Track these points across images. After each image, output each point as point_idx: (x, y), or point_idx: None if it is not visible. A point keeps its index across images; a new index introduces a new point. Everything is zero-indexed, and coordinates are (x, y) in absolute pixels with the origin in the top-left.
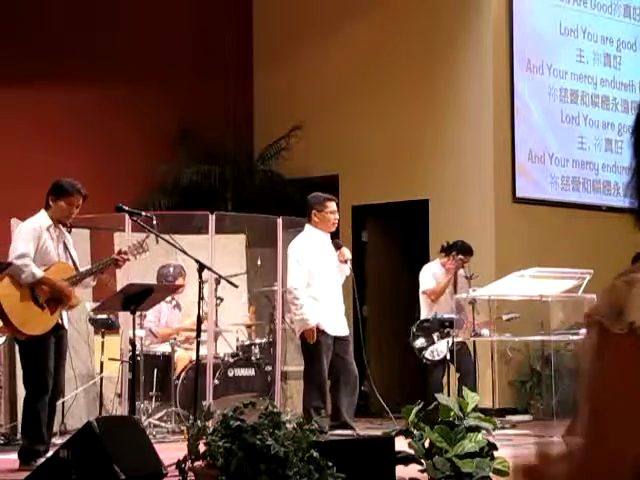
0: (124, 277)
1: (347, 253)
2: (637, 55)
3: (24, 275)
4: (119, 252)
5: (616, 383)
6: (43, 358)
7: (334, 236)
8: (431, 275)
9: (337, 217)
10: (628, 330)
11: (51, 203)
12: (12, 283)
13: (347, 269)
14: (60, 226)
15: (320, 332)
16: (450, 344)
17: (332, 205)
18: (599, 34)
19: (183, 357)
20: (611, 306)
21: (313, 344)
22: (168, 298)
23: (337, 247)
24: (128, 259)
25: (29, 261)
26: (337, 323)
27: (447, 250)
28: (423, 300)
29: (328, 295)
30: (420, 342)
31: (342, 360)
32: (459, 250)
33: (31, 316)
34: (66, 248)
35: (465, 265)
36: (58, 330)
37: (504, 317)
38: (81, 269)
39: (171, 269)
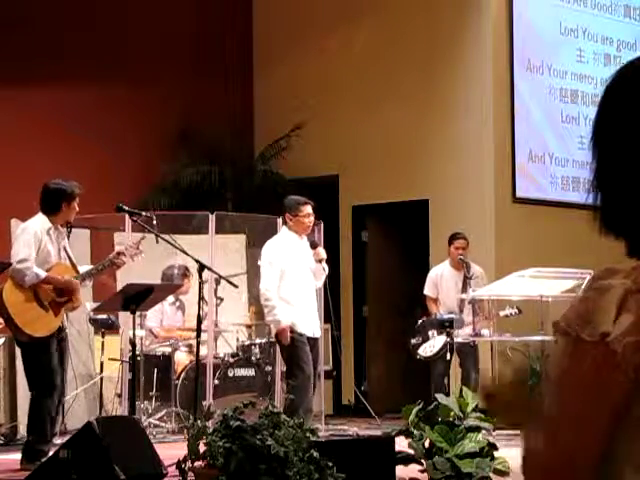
0: (124, 277)
1: (322, 253)
2: (637, 55)
3: (28, 277)
4: (117, 253)
5: (580, 387)
6: (48, 358)
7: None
8: (429, 280)
9: (312, 220)
10: (598, 339)
11: (64, 208)
12: (16, 285)
13: (322, 270)
14: (60, 228)
15: (295, 332)
16: (446, 341)
17: (306, 209)
18: (599, 34)
19: (183, 360)
20: (579, 315)
21: (291, 345)
22: (171, 299)
23: (313, 246)
24: (124, 262)
25: (31, 264)
26: (310, 325)
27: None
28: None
29: (300, 297)
30: (415, 340)
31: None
32: (449, 241)
33: (35, 317)
34: (64, 250)
35: (467, 266)
36: (60, 332)
37: (501, 313)
38: (80, 269)
39: (175, 270)
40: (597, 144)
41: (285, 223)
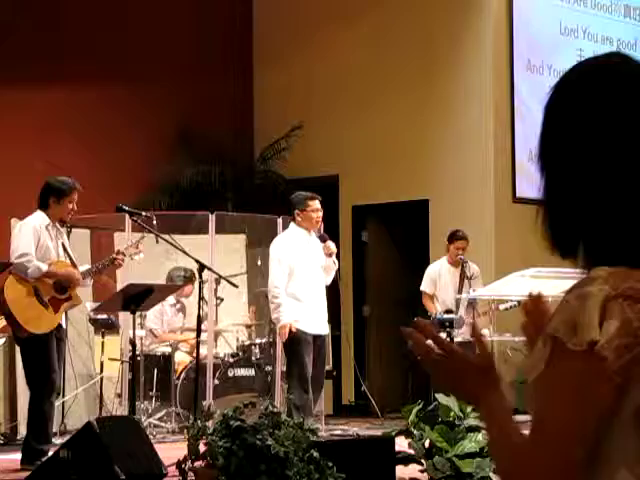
0: (124, 277)
1: (332, 246)
2: (637, 55)
3: (30, 270)
4: (117, 252)
5: (567, 396)
6: (47, 356)
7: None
8: (428, 276)
9: (320, 215)
10: (586, 347)
11: (52, 204)
12: (16, 282)
13: (333, 263)
14: (57, 225)
15: (299, 330)
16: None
17: (314, 203)
18: (599, 34)
19: (183, 360)
20: (565, 323)
21: (294, 343)
22: (172, 301)
23: (322, 240)
24: (123, 261)
25: (32, 257)
26: (317, 322)
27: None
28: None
29: (309, 294)
30: None
31: (316, 357)
32: (449, 239)
33: (35, 314)
34: (64, 247)
35: (466, 265)
36: (58, 330)
37: (501, 307)
38: (80, 268)
39: (182, 272)
40: (544, 161)
41: (294, 220)
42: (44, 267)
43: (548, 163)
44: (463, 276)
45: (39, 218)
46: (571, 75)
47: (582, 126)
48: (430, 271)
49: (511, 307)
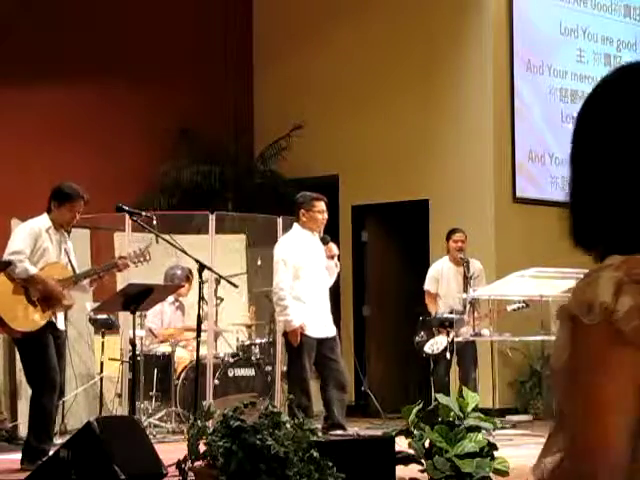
0: (124, 277)
1: (335, 249)
2: (637, 55)
3: (17, 270)
4: (120, 257)
5: (590, 372)
6: (44, 354)
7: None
8: (430, 275)
9: (325, 216)
10: (602, 316)
11: (53, 208)
12: (6, 279)
13: (335, 266)
14: (62, 230)
15: (304, 335)
16: (450, 340)
17: (320, 204)
18: (599, 34)
19: (184, 359)
20: (580, 303)
21: (297, 347)
22: (171, 299)
23: (325, 242)
24: (128, 265)
25: (23, 258)
26: (322, 324)
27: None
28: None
29: (313, 296)
30: (420, 336)
31: (329, 361)
32: (447, 237)
33: (22, 312)
34: (66, 253)
35: (467, 264)
36: (54, 330)
37: (509, 308)
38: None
39: (178, 271)
40: (574, 158)
41: (297, 220)
42: (32, 270)
43: (577, 158)
44: (465, 277)
45: (41, 221)
46: (610, 77)
47: (612, 125)
48: (433, 270)
49: (519, 308)
